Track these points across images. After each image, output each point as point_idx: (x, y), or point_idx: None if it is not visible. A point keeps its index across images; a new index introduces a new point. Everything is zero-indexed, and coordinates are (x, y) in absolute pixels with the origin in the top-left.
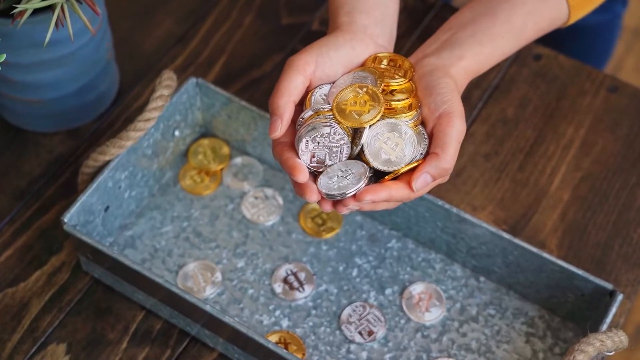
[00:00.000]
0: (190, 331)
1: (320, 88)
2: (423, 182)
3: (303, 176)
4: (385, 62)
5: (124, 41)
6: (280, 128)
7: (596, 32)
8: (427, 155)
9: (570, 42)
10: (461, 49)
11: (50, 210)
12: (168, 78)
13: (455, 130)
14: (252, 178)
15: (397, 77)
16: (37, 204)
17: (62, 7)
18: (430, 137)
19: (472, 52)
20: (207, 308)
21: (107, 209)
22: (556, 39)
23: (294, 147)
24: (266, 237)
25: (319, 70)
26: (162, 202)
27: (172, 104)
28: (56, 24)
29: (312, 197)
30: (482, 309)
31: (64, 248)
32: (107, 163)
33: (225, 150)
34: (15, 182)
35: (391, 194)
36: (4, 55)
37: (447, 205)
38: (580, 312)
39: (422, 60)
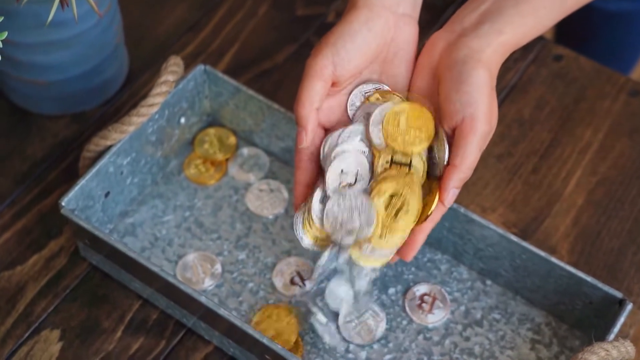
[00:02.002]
0: (187, 323)
1: (329, 137)
2: (453, 197)
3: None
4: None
5: (135, 26)
6: (306, 139)
7: (630, 21)
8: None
9: (603, 30)
10: (501, 22)
11: (51, 194)
12: (174, 64)
13: (476, 138)
14: (258, 170)
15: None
16: (38, 187)
17: None
18: (452, 133)
19: (512, 25)
20: (203, 300)
21: (107, 194)
22: (589, 26)
23: (314, 159)
24: (269, 230)
25: (339, 68)
26: (165, 191)
27: (179, 90)
28: (61, 4)
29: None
30: (487, 313)
31: (63, 233)
32: (108, 148)
33: (232, 140)
34: (18, 165)
35: (428, 232)
36: (6, 33)
37: (454, 205)
38: (589, 321)
39: (458, 41)
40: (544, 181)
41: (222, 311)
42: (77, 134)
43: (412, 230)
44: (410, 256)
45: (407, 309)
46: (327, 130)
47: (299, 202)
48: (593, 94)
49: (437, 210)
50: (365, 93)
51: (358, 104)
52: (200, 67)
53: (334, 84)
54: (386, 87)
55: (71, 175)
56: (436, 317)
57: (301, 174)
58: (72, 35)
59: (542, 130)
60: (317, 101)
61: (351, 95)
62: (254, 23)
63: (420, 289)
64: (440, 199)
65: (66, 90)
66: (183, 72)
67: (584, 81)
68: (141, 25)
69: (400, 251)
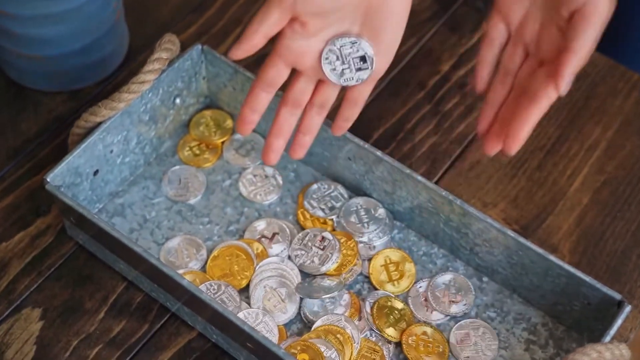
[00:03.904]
0: (171, 307)
1: None
2: (569, 85)
3: (244, 132)
4: None
5: (138, 4)
6: (238, 51)
7: None
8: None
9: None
10: None
11: (41, 171)
12: (169, 41)
13: (598, 21)
14: (254, 155)
15: None
16: (29, 163)
17: None
18: (569, 17)
19: None
20: (184, 283)
21: (96, 173)
22: (625, 18)
23: (268, 90)
24: (261, 217)
25: (300, 3)
26: (158, 172)
27: (174, 69)
28: None
29: (269, 160)
30: (482, 311)
31: (52, 211)
32: (99, 125)
33: (229, 123)
34: (11, 140)
35: (534, 123)
36: None
37: (450, 196)
38: (587, 322)
39: None
40: (548, 178)
41: (203, 296)
42: (73, 111)
43: (518, 118)
44: (514, 148)
45: (411, 306)
46: (299, 73)
47: (240, 125)
48: (604, 91)
49: (548, 98)
50: (341, 47)
51: (333, 58)
52: (197, 47)
53: (295, 19)
54: (365, 42)
55: (64, 153)
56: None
57: (250, 98)
58: (67, 9)
59: (550, 126)
60: (266, 27)
61: (325, 48)
62: (259, 5)
63: (423, 285)
64: (556, 86)
65: (62, 65)
66: (179, 51)
67: (595, 77)
68: (144, 3)
69: (505, 142)
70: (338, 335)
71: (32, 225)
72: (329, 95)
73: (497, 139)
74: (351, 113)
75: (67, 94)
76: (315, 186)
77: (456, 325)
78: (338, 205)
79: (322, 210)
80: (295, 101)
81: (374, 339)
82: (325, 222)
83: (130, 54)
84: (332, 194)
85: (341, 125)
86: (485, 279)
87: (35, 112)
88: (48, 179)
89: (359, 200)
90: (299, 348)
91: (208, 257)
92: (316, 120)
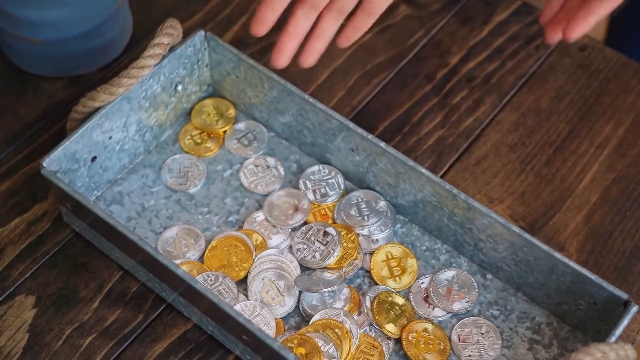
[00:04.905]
0: (167, 298)
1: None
2: None
3: (260, 32)
4: None
5: None
6: (258, 28)
7: None
8: None
9: None
10: None
11: (40, 156)
12: (170, 26)
13: None
14: (257, 144)
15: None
16: (28, 149)
17: None
18: None
19: None
20: (180, 272)
21: (94, 159)
22: None
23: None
24: (262, 208)
25: None
26: (158, 160)
27: (175, 55)
28: None
29: (279, 61)
30: (485, 309)
31: (49, 197)
32: (97, 110)
33: (232, 112)
34: (10, 125)
35: (606, 11)
36: None
37: (455, 190)
38: (592, 323)
39: None
40: (557, 175)
41: (199, 286)
42: (73, 97)
43: (586, 7)
44: (575, 34)
45: (412, 302)
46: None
47: (255, 24)
48: (617, 87)
49: None
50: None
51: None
52: (200, 33)
53: None
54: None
55: (63, 139)
56: (434, 313)
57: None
58: None
59: (560, 122)
60: (280, 7)
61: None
62: None
63: (425, 281)
64: None
65: (63, 50)
66: (181, 37)
67: (608, 73)
68: None
69: (567, 27)
70: (336, 330)
71: (28, 211)
72: (349, 2)
73: (560, 27)
74: (364, 23)
75: (67, 80)
76: (315, 167)
77: (458, 322)
78: (331, 194)
79: (314, 193)
80: (313, 3)
81: (373, 334)
82: (319, 206)
83: (134, 41)
84: (329, 181)
85: (349, 35)
86: (489, 276)
87: (35, 97)
88: (44, 164)
89: (359, 193)
90: (295, 342)
91: (206, 247)
92: (331, 25)
